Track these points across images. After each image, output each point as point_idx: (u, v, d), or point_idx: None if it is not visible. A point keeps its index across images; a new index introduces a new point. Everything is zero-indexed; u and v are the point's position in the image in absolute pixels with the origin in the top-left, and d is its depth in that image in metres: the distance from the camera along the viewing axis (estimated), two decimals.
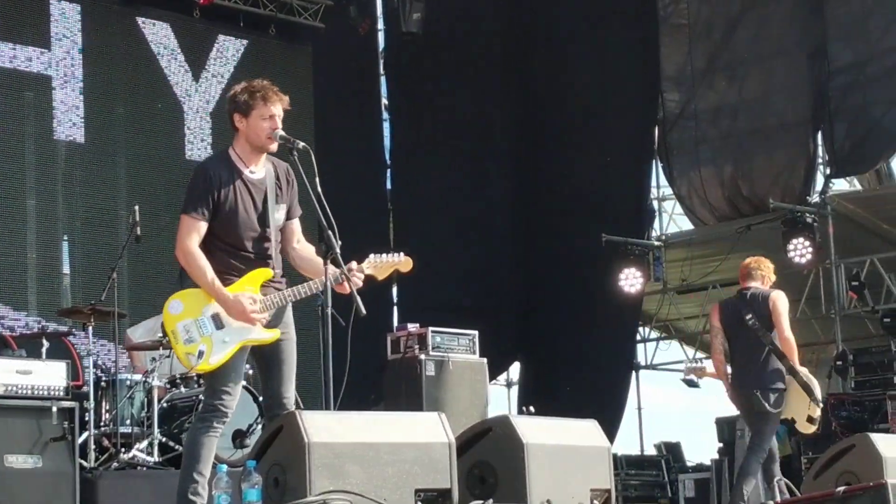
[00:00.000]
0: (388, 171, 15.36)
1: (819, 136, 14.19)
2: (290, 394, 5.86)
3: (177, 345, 5.68)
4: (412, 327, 10.71)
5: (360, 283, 5.85)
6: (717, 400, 18.29)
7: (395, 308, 14.96)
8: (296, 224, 6.04)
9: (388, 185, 15.39)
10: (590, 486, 6.08)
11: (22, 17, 11.84)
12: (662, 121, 15.06)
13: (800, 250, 13.46)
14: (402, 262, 6.12)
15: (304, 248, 6.04)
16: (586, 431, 6.33)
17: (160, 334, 9.91)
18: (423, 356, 10.39)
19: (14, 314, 11.32)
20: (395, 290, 14.90)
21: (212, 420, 5.71)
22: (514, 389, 16.69)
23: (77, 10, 12.20)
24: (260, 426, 9.17)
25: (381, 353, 10.86)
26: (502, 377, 16.71)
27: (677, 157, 15.14)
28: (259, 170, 5.91)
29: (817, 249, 13.49)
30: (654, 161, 15.25)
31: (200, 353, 5.64)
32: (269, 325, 5.83)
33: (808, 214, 13.60)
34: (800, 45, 14.27)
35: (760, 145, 14.57)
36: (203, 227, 5.74)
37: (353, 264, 5.90)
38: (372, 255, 6.03)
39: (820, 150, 14.32)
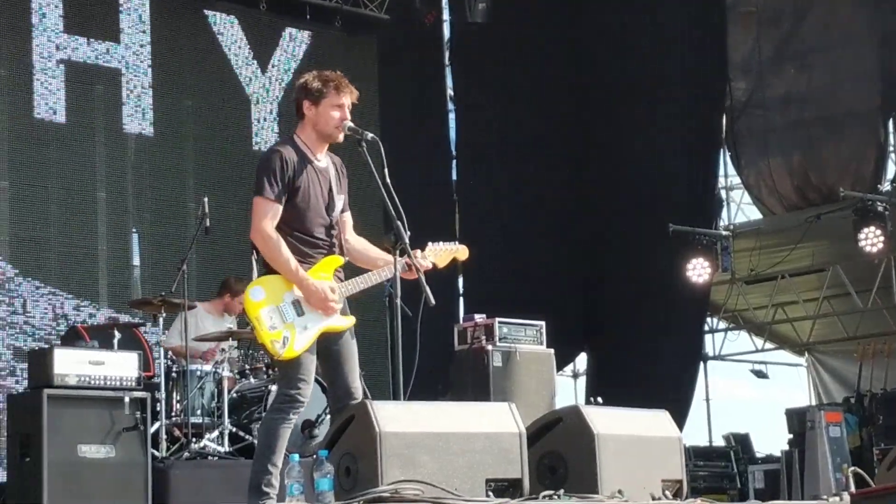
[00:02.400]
0: (454, 162, 15.35)
1: (890, 123, 14.02)
2: (358, 384, 5.88)
3: (261, 331, 5.69)
4: (479, 318, 10.66)
5: (428, 268, 5.90)
6: (786, 391, 18.23)
7: (462, 299, 14.96)
8: (348, 217, 6.09)
9: (454, 177, 15.38)
10: (661, 476, 6.07)
11: (92, 11, 11.94)
12: (730, 109, 14.94)
13: (871, 239, 13.32)
14: (458, 249, 6.23)
15: (357, 240, 6.10)
16: (657, 422, 6.31)
17: (230, 325, 10.00)
18: (490, 347, 10.34)
19: (86, 306, 11.44)
20: (461, 280, 14.89)
21: (287, 410, 5.73)
22: (581, 380, 16.64)
23: (146, 4, 12.30)
24: (329, 417, 9.22)
25: (448, 343, 10.85)
26: (569, 368, 16.66)
27: (745, 145, 15.02)
28: (323, 158, 5.97)
29: (888, 238, 13.34)
30: (721, 150, 15.13)
31: (285, 340, 5.67)
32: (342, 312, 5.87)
33: (878, 203, 13.44)
34: (869, 32, 14.11)
35: (830, 133, 14.42)
36: (279, 209, 5.76)
37: (417, 252, 5.94)
38: (430, 244, 6.11)
39: (891, 138, 14.15)
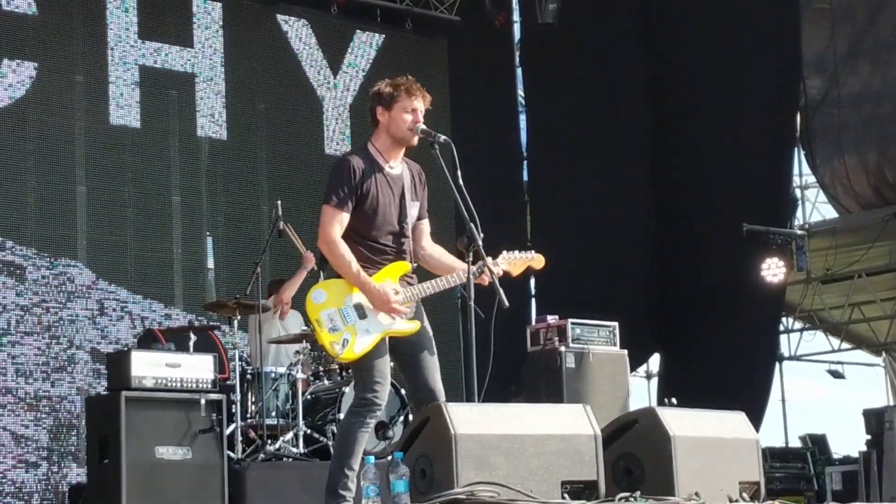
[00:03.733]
0: (525, 163, 15.33)
1: None
2: (440, 386, 5.88)
3: (321, 333, 5.73)
4: (552, 319, 10.64)
5: (499, 275, 5.88)
6: (863, 391, 18.03)
7: (534, 300, 14.93)
8: (425, 224, 6.10)
9: (525, 178, 15.37)
10: (738, 478, 6.01)
11: (166, 16, 12.08)
12: (804, 107, 14.77)
13: None
14: (534, 259, 6.20)
15: (433, 248, 6.11)
16: (734, 423, 6.25)
17: (304, 327, 10.07)
18: (563, 348, 10.32)
19: (162, 309, 11.56)
20: (533, 282, 14.87)
21: (365, 415, 5.75)
22: (654, 381, 16.54)
23: (219, 9, 12.42)
24: (402, 418, 9.25)
25: (521, 345, 10.84)
26: (642, 369, 16.58)
27: (820, 144, 14.83)
28: (397, 166, 5.98)
29: None
30: (796, 149, 14.97)
31: (345, 342, 5.70)
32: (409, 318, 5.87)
33: None
34: None
35: None
36: (345, 217, 5.80)
37: (489, 259, 5.90)
38: (505, 252, 6.10)
39: None
